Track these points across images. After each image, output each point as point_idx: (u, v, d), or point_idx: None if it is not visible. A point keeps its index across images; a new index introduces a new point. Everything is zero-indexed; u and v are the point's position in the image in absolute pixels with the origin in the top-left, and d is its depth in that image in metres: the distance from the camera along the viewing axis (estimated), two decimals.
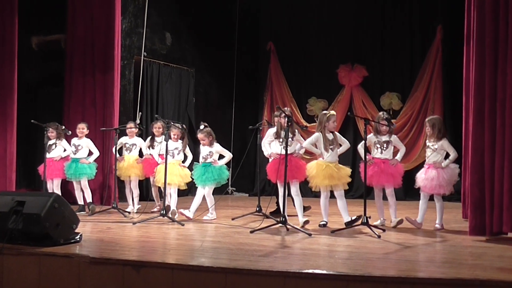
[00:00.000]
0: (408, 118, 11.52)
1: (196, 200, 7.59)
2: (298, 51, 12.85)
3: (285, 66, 12.91)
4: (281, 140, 6.83)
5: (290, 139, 6.81)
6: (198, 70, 12.36)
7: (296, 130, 7.03)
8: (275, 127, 7.12)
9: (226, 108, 13.18)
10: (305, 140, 7.07)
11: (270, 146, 7.13)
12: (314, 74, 12.69)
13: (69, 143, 8.50)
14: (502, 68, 5.66)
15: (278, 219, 6.33)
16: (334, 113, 6.92)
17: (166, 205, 7.31)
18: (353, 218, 6.66)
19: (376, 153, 6.90)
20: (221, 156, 7.74)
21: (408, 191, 10.37)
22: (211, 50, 12.49)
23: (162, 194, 7.56)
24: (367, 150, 6.63)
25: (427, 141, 6.80)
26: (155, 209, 8.48)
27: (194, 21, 12.16)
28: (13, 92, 8.55)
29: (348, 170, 6.73)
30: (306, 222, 6.69)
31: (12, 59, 8.55)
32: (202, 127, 7.73)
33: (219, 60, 12.78)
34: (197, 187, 7.71)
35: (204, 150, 7.67)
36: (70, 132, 8.36)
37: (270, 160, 7.19)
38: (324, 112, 7.00)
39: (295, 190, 6.88)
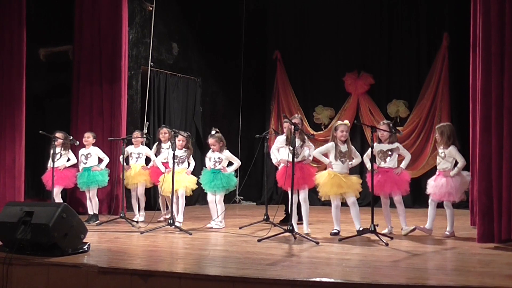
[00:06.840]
0: (415, 126, 11.49)
1: (213, 208, 7.64)
2: (305, 60, 12.87)
3: (292, 75, 12.92)
4: (291, 146, 6.82)
5: (300, 146, 6.83)
6: (204, 79, 12.40)
7: (306, 137, 7.03)
8: (285, 134, 7.13)
9: (233, 117, 13.22)
10: (315, 146, 7.07)
11: (279, 152, 7.13)
12: (320, 82, 12.69)
13: (77, 154, 8.52)
14: (509, 75, 5.65)
15: (286, 228, 6.32)
16: (343, 122, 6.91)
17: (173, 214, 7.31)
18: (363, 228, 6.60)
19: (380, 162, 6.88)
20: (229, 163, 7.77)
21: (416, 198, 10.36)
22: (218, 60, 12.54)
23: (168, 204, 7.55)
24: (374, 158, 6.63)
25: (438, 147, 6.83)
26: (161, 219, 8.45)
27: (200, 31, 12.22)
28: (21, 103, 8.62)
29: (357, 179, 6.73)
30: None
31: (21, 71, 8.63)
32: (213, 132, 7.76)
33: (225, 69, 12.84)
34: (205, 195, 7.73)
35: (214, 156, 7.70)
36: (78, 142, 8.36)
37: (279, 167, 7.19)
38: (339, 122, 7.03)
39: (303, 197, 6.88)
